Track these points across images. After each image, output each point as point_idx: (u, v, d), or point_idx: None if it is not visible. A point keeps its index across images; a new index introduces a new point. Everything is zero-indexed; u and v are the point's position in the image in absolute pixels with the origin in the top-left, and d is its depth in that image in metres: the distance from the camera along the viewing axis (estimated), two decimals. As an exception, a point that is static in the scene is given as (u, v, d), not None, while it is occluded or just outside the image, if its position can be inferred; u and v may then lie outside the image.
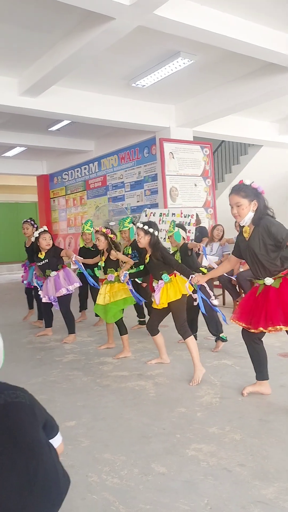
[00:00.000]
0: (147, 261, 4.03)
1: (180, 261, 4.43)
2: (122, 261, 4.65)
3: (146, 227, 3.91)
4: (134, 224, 5.45)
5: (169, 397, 3.27)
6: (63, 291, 5.06)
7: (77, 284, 5.18)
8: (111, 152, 10.64)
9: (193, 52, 5.90)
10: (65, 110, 7.43)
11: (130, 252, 5.33)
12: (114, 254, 4.56)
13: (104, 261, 4.65)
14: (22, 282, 6.34)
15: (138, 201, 9.89)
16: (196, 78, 7.01)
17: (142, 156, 9.60)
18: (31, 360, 4.46)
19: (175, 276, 3.86)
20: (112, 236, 4.62)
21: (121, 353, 4.46)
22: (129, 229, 5.50)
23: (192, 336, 3.75)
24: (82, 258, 5.23)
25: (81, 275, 5.77)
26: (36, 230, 5.99)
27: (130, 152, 9.98)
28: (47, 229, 5.29)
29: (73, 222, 12.66)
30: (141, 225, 3.95)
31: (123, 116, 7.93)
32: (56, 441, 1.82)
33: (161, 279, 3.85)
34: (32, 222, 6.13)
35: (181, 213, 7.23)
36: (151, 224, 3.97)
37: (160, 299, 3.80)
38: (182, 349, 4.45)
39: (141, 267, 4.79)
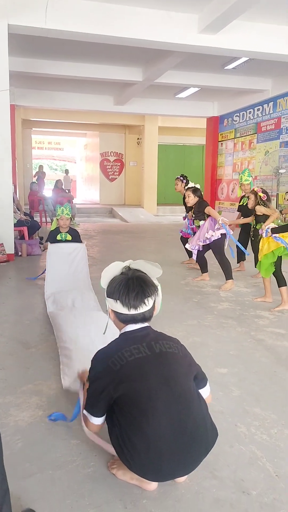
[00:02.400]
0: None
1: None
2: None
3: None
4: None
5: None
6: (213, 236, 5.17)
7: (223, 230, 5.15)
8: (289, 91, 9.76)
9: None
10: (245, 47, 6.99)
11: None
12: (259, 209, 4.67)
13: (254, 218, 4.85)
14: (179, 232, 6.67)
15: (314, 147, 9.01)
16: None
17: None
18: (187, 302, 4.63)
19: None
20: (262, 195, 4.69)
21: (279, 305, 4.35)
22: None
23: None
24: (228, 220, 5.23)
25: (242, 226, 5.86)
26: (186, 185, 6.16)
27: (312, 91, 9.00)
28: (191, 187, 5.51)
29: (239, 167, 12.28)
30: None
31: (309, 50, 7.11)
32: (205, 392, 1.88)
33: None
34: (182, 178, 6.38)
35: None
36: None
37: None
38: None
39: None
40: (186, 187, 5.60)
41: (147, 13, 6.51)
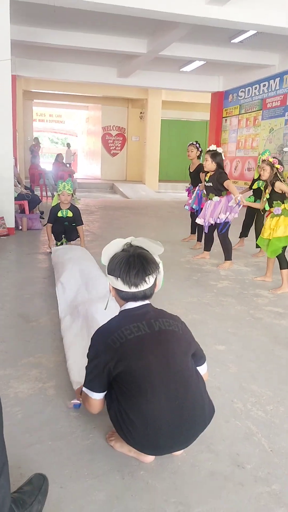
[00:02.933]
0: None
1: None
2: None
3: None
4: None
5: None
6: (221, 217, 5.02)
7: (236, 215, 5.03)
8: (297, 67, 9.55)
9: None
10: (252, 19, 6.80)
11: None
12: (279, 186, 4.26)
13: (269, 194, 4.38)
14: (184, 206, 6.45)
15: None
16: None
17: None
18: (187, 280, 4.65)
19: None
20: (279, 166, 4.32)
21: (279, 288, 4.34)
22: None
23: None
24: (246, 202, 4.93)
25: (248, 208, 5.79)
26: (201, 153, 5.92)
27: None
28: (212, 150, 5.04)
29: (243, 144, 12.12)
30: None
31: None
32: (202, 369, 1.90)
33: None
34: (198, 145, 5.98)
35: None
36: None
37: None
38: None
39: None
40: (207, 149, 5.11)
41: (153, -19, 6.30)
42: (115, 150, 17.93)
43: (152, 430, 1.63)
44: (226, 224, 5.07)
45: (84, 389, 1.80)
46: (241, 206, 4.86)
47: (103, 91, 15.25)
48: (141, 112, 17.12)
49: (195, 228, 6.42)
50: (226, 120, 13.09)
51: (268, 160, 4.34)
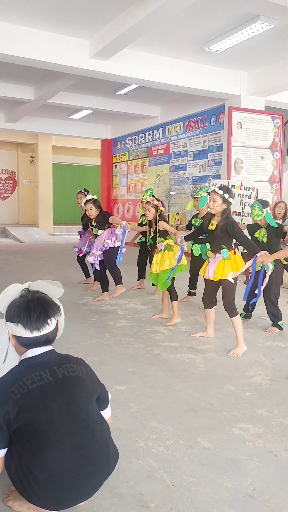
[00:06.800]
0: (212, 227, 3.84)
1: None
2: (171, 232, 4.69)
3: (226, 195, 3.72)
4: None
5: (218, 374, 3.29)
6: (108, 243, 5.23)
7: (120, 243, 5.26)
8: (176, 119, 10.44)
9: (273, 16, 5.53)
10: (133, 74, 7.33)
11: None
12: (162, 225, 4.66)
13: (153, 231, 4.76)
14: (73, 248, 6.50)
15: (200, 171, 9.70)
16: (272, 45, 6.64)
17: (209, 125, 9.33)
18: (86, 321, 4.63)
19: (234, 253, 3.82)
20: (162, 209, 4.75)
21: (171, 320, 4.57)
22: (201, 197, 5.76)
23: (238, 315, 3.80)
24: (130, 225, 5.24)
25: (141, 244, 6.01)
26: None
27: (197, 119, 9.73)
28: (90, 199, 5.36)
29: (133, 188, 12.69)
30: (220, 191, 3.72)
31: (192, 82, 7.74)
32: (106, 413, 1.89)
33: (219, 252, 3.80)
34: (86, 193, 6.19)
35: (241, 185, 7.02)
36: (229, 191, 3.77)
37: (214, 273, 3.80)
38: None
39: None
40: (86, 199, 5.42)
41: (37, 33, 6.48)
42: (6, 194, 17.48)
43: (56, 483, 1.55)
44: (117, 252, 5.22)
45: None
46: (127, 231, 5.09)
47: (-10, 135, 14.96)
48: (31, 156, 17.06)
49: (88, 271, 6.50)
50: (116, 165, 13.65)
51: (153, 202, 4.71)
